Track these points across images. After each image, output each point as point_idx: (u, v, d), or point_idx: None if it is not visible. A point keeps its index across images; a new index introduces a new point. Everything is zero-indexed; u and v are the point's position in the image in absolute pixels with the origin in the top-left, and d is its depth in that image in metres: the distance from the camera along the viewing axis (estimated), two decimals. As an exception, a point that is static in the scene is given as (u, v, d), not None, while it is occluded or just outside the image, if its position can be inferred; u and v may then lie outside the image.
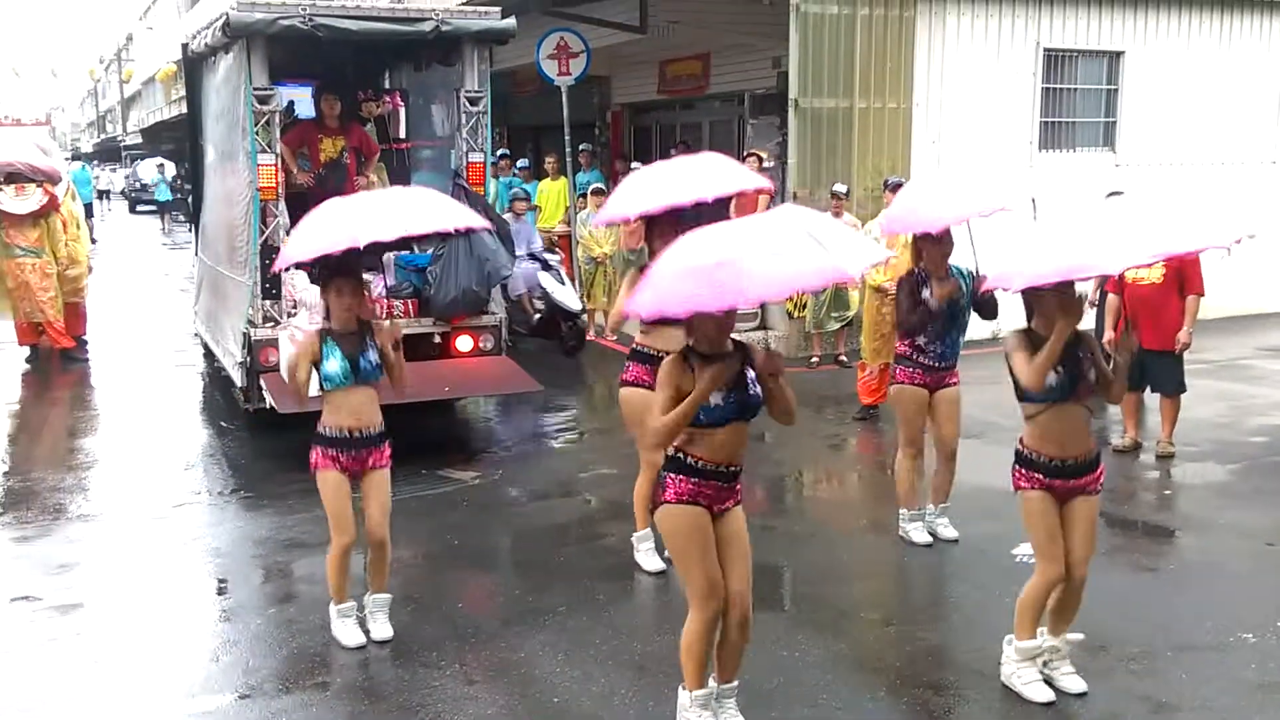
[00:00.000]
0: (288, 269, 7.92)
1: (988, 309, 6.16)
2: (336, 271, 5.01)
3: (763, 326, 12.11)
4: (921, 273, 6.17)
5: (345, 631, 5.27)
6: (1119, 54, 13.35)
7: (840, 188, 10.91)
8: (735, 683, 4.39)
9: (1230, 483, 7.69)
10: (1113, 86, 13.45)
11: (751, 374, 4.10)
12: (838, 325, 11.20)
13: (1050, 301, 4.44)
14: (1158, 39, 13.46)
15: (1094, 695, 4.68)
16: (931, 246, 6.10)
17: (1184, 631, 5.29)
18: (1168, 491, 7.49)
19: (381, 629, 5.31)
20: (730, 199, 5.76)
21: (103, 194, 44.37)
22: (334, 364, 5.01)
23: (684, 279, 3.68)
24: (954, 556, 6.37)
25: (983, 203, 5.89)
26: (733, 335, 4.16)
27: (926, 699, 4.73)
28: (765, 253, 3.61)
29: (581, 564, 6.38)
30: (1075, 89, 13.29)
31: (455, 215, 5.14)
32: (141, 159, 43.47)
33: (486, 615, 5.72)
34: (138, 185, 40.90)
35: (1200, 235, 4.19)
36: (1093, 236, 4.27)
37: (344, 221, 4.83)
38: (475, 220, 5.21)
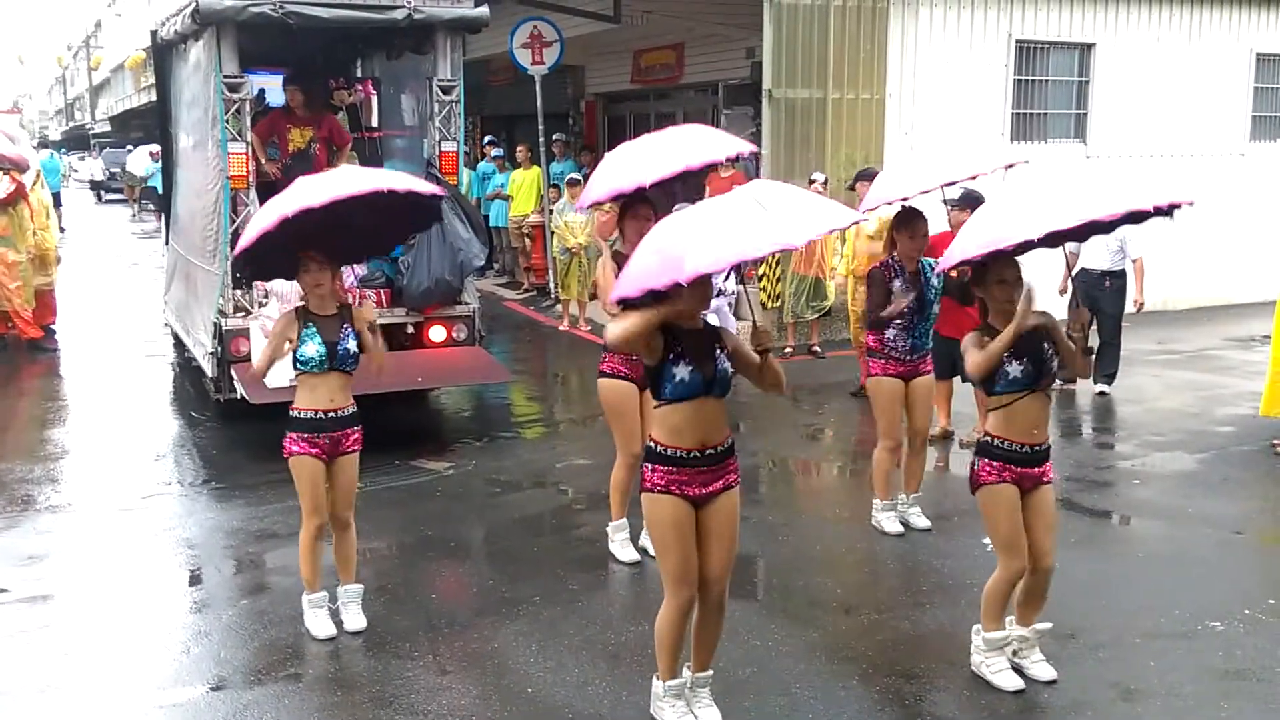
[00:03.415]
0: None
1: (966, 295, 6.17)
2: (308, 253, 4.96)
3: (737, 317, 12.16)
4: (894, 264, 6.19)
5: (317, 623, 5.24)
6: (1090, 46, 13.43)
7: (818, 175, 10.92)
8: (709, 672, 4.40)
9: (1198, 472, 7.77)
10: (1084, 78, 13.53)
11: (720, 350, 4.09)
12: (815, 315, 11.22)
13: (996, 292, 4.51)
14: (1128, 31, 13.55)
15: (1063, 682, 4.72)
16: (905, 239, 6.13)
17: (1152, 619, 5.34)
18: (1136, 481, 7.55)
19: (354, 619, 5.30)
20: (705, 186, 5.75)
21: (97, 185, 40.85)
22: (312, 348, 4.98)
23: (644, 258, 3.84)
24: (926, 546, 6.41)
25: (948, 173, 5.93)
26: (706, 318, 4.17)
27: (898, 687, 4.76)
28: (708, 228, 3.72)
29: (555, 554, 6.38)
30: (1046, 81, 13.35)
31: (389, 180, 4.90)
32: (124, 147, 41.16)
33: (460, 606, 5.72)
34: (108, 174, 39.54)
35: (1124, 200, 4.17)
36: (1015, 210, 4.28)
37: (276, 202, 4.77)
38: (415, 184, 5.02)
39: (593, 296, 13.45)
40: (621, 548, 6.13)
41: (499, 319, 13.71)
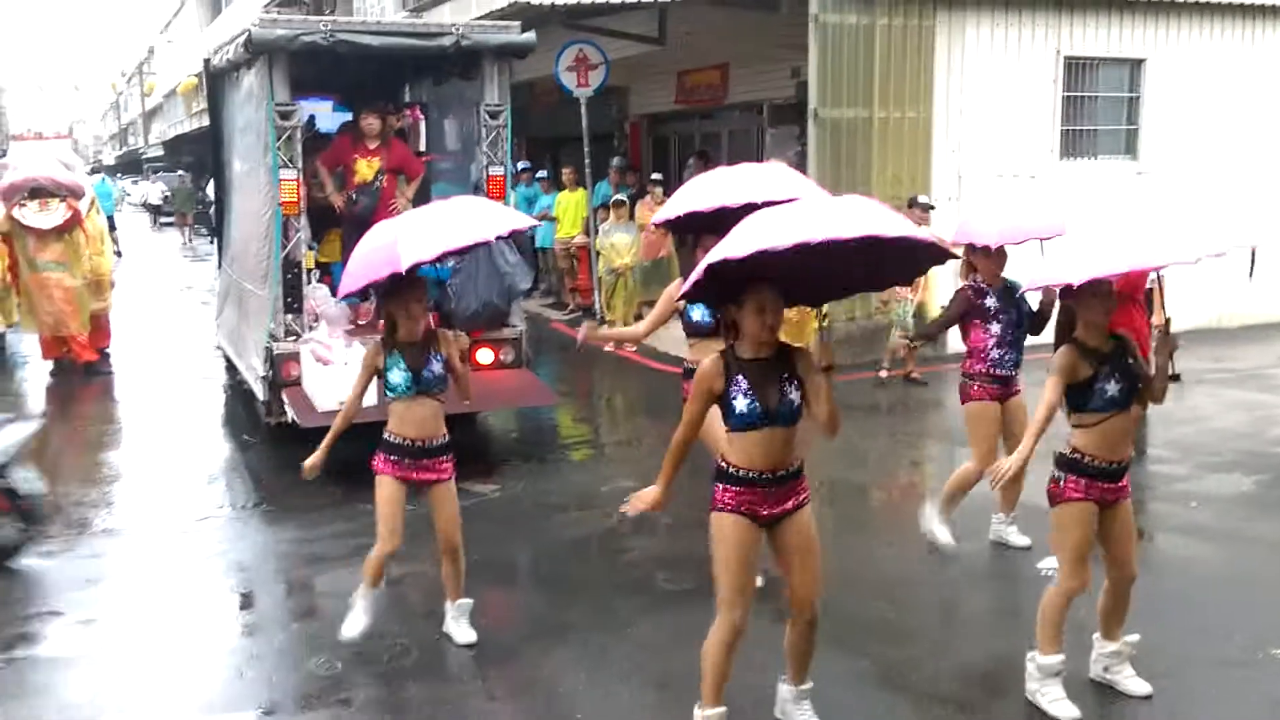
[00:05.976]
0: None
1: (1037, 322, 6.13)
2: (405, 285, 5.05)
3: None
4: (980, 285, 6.19)
5: (351, 619, 5.25)
6: (1140, 61, 13.28)
7: (926, 199, 11.00)
8: (810, 684, 4.41)
9: (1255, 494, 7.63)
10: (1134, 94, 13.39)
11: (790, 380, 4.05)
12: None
13: (1095, 305, 4.49)
14: (1179, 46, 13.39)
15: (1121, 711, 4.65)
16: (984, 259, 6.11)
17: (1212, 646, 5.24)
18: (1193, 503, 7.41)
19: (465, 633, 5.36)
20: None
21: (154, 209, 40.71)
22: (397, 375, 5.07)
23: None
24: (978, 570, 6.34)
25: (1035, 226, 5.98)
26: (782, 340, 4.13)
27: (951, 717, 4.70)
28: (743, 227, 3.72)
29: (603, 579, 6.37)
30: (1096, 97, 13.22)
31: (495, 223, 5.20)
32: (175, 171, 41.32)
33: (508, 631, 5.71)
34: (165, 198, 39.89)
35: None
36: (1148, 235, 4.38)
37: (385, 247, 4.93)
38: (518, 220, 5.38)
39: (638, 317, 13.47)
40: None
41: (545, 340, 13.73)
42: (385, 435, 5.20)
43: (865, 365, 11.28)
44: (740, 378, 4.00)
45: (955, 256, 3.96)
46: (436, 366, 5.13)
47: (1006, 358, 6.19)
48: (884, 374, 11.02)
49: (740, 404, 4.00)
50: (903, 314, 10.82)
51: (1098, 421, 4.55)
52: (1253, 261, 4.44)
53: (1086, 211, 6.48)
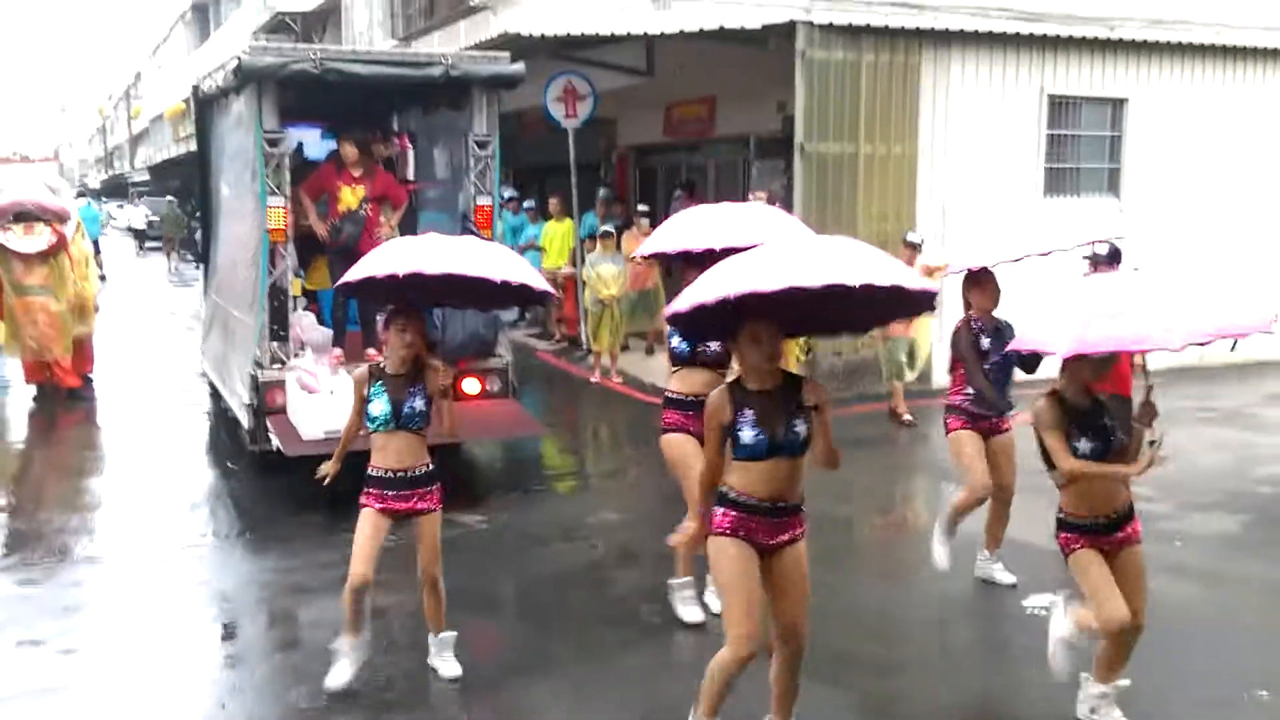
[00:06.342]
0: (302, 308, 8.09)
1: (1030, 362, 6.16)
2: (401, 308, 5.06)
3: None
4: (976, 323, 6.20)
5: (339, 669, 5.17)
6: (1122, 101, 13.43)
7: (914, 237, 10.89)
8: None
9: (1239, 533, 7.66)
10: (1116, 133, 13.53)
11: (798, 410, 4.07)
12: (913, 376, 10.98)
13: (1084, 368, 4.51)
14: (1161, 86, 13.54)
15: (1106, 751, 4.64)
16: (978, 295, 6.13)
17: (1196, 687, 5.25)
18: (1178, 542, 7.43)
19: (450, 667, 5.31)
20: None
21: (139, 234, 39.98)
22: (378, 406, 5.05)
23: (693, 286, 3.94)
24: (963, 606, 6.34)
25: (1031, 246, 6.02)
26: (789, 370, 4.15)
27: (937, 753, 4.69)
28: (743, 263, 3.83)
29: (588, 610, 6.34)
30: (1079, 135, 13.36)
31: (510, 271, 5.06)
32: (162, 196, 41.05)
33: (493, 663, 5.67)
34: (149, 223, 39.57)
35: (1248, 316, 4.25)
36: (1147, 309, 4.26)
37: (393, 254, 4.97)
38: (534, 279, 5.15)
39: (625, 348, 13.49)
40: (685, 607, 5.99)
41: (531, 371, 13.71)
42: (368, 470, 5.16)
43: (850, 399, 11.33)
44: (748, 410, 4.04)
45: (933, 303, 3.98)
46: (419, 403, 5.08)
47: (979, 399, 6.19)
48: (907, 417, 10.86)
49: (747, 435, 4.03)
50: (892, 350, 10.82)
51: (1071, 480, 4.57)
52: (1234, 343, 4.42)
53: (1071, 246, 6.49)
